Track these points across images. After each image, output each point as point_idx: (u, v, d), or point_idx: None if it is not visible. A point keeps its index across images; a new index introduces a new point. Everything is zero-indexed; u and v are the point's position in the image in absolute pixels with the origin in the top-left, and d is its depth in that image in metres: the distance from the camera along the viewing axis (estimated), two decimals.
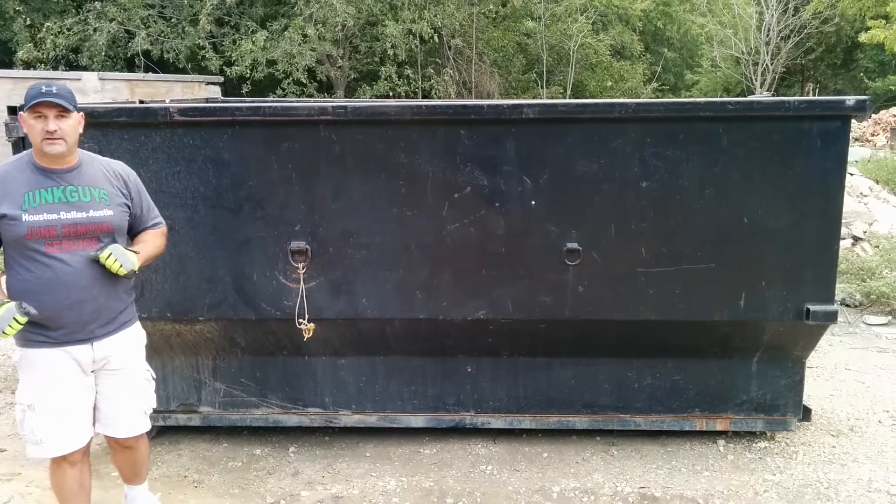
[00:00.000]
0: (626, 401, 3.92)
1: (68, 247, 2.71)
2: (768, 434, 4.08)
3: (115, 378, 2.91)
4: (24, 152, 2.83)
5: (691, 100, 3.92)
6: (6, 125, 3.49)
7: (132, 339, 2.97)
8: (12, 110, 3.48)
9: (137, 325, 3.03)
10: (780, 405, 3.92)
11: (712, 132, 3.49)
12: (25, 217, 2.65)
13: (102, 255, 2.73)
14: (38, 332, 2.73)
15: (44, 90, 2.66)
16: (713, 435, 4.05)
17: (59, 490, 2.92)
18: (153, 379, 3.09)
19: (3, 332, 2.58)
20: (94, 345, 2.81)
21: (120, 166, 2.96)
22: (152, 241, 3.00)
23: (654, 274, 3.61)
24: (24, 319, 2.62)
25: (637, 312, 3.66)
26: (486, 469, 3.81)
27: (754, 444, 4.02)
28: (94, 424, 2.94)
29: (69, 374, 2.79)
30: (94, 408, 2.92)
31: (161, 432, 4.13)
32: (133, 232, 2.98)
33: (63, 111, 2.68)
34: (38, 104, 2.64)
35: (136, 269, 2.82)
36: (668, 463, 3.84)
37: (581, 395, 3.93)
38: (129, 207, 2.90)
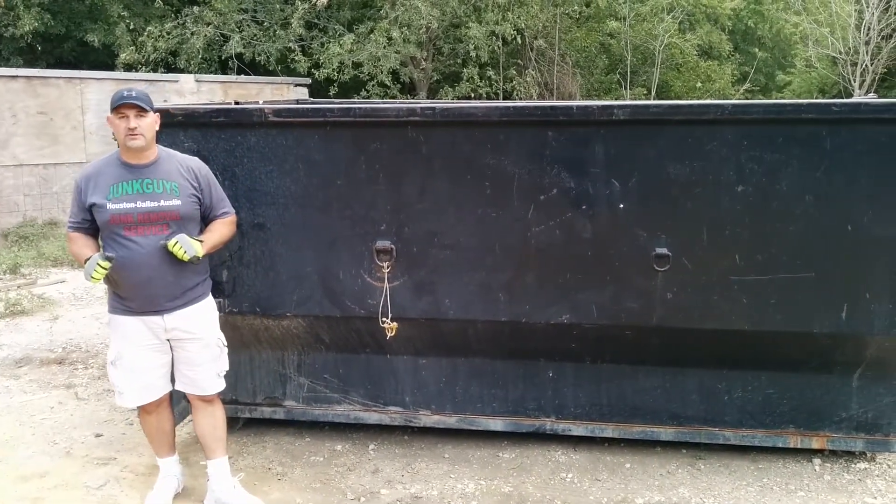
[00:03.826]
0: (715, 413, 3.77)
1: (143, 231, 3.11)
2: (868, 455, 3.86)
3: (192, 345, 3.31)
4: (113, 151, 3.25)
5: (792, 101, 3.76)
6: None
7: (202, 311, 3.34)
8: None
9: (208, 300, 3.38)
10: (883, 425, 3.68)
11: (815, 135, 3.33)
12: (109, 205, 3.09)
13: (170, 243, 3.11)
14: (120, 301, 3.21)
15: (125, 94, 3.07)
16: (808, 453, 3.86)
17: (144, 430, 3.53)
18: (225, 346, 3.44)
19: (92, 277, 3.01)
20: (164, 316, 3.21)
21: (194, 162, 3.32)
22: (218, 230, 3.34)
23: (748, 282, 3.47)
24: (106, 264, 3.03)
25: (729, 322, 3.51)
26: (566, 477, 3.75)
27: (853, 465, 3.80)
28: (174, 384, 3.40)
29: (143, 338, 3.24)
30: (176, 371, 3.36)
31: (247, 424, 4.26)
32: (205, 220, 3.34)
33: (141, 111, 3.08)
34: (120, 105, 3.05)
35: (199, 255, 3.16)
36: (760, 480, 3.68)
37: (667, 406, 3.81)
38: (198, 198, 3.25)
